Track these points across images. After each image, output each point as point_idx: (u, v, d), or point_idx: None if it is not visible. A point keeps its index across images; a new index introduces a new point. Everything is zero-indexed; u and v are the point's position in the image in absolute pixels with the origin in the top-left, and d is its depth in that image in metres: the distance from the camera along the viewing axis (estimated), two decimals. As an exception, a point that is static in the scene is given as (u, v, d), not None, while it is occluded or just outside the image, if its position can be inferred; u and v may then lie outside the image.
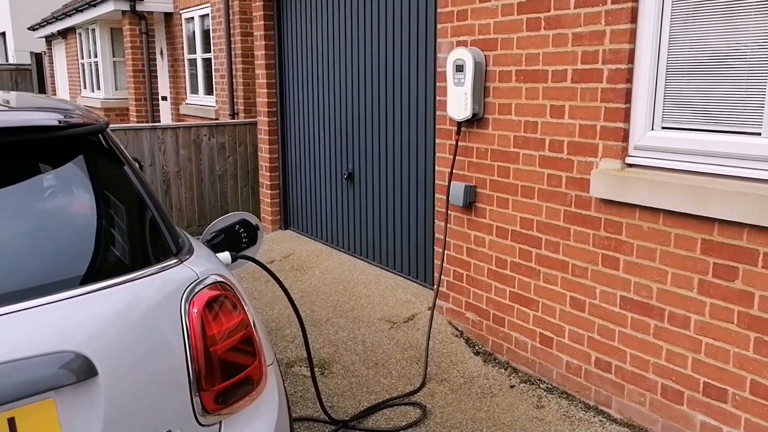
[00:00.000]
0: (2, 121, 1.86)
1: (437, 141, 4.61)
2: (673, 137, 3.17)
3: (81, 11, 12.81)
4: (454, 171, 4.41)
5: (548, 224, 3.80)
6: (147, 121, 11.72)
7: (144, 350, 1.77)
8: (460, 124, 4.29)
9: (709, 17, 2.99)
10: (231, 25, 8.67)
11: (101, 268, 1.86)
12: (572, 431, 3.46)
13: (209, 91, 9.93)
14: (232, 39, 8.71)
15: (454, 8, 4.28)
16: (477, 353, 4.32)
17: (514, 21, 3.86)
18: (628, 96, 3.31)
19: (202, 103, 10.14)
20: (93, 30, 13.40)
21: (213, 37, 9.33)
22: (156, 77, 11.88)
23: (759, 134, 2.87)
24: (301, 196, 7.00)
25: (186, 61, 10.63)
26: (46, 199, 1.93)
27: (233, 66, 8.79)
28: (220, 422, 1.91)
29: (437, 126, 4.60)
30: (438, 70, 4.51)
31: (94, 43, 13.51)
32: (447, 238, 4.58)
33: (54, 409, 1.62)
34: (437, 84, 4.55)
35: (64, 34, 16.05)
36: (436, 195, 4.69)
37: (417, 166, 5.17)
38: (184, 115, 10.79)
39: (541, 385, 3.91)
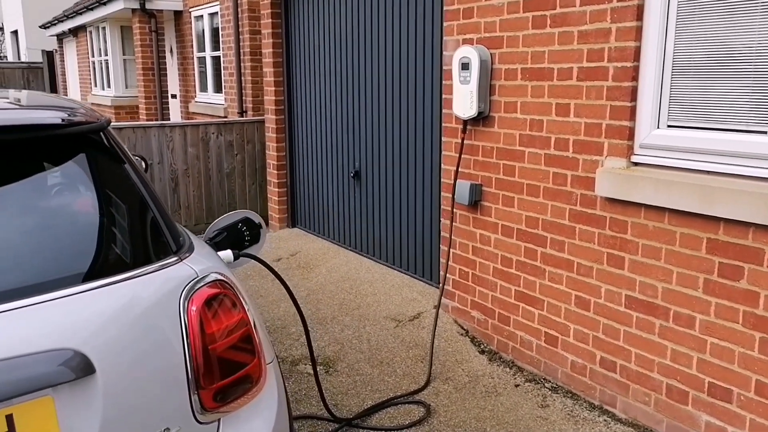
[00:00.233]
0: (5, 119, 1.88)
1: (443, 139, 4.60)
2: (679, 135, 3.15)
3: (92, 9, 12.88)
4: (459, 169, 4.40)
5: (553, 223, 3.78)
6: (157, 119, 11.77)
7: (143, 348, 1.77)
8: (465, 123, 4.28)
9: (715, 15, 2.97)
10: (240, 23, 8.69)
11: (102, 265, 1.87)
12: (577, 431, 3.44)
13: (218, 89, 9.96)
14: (240, 37, 8.73)
15: (460, 6, 4.27)
16: (482, 352, 4.32)
17: (520, 19, 3.84)
18: (633, 94, 3.29)
19: (212, 101, 10.17)
20: (103, 28, 13.47)
21: (222, 35, 9.35)
22: (165, 75, 11.93)
23: (765, 133, 2.84)
24: (308, 194, 7.01)
25: (195, 59, 10.66)
26: (47, 197, 1.94)
27: (242, 64, 8.81)
28: (219, 420, 1.92)
29: (443, 124, 4.59)
30: (444, 68, 4.50)
31: (105, 42, 13.57)
32: (453, 237, 4.57)
33: (52, 407, 1.62)
34: (443, 82, 4.54)
35: (75, 32, 16.13)
36: (442, 193, 4.68)
37: (423, 164, 5.17)
38: (194, 113, 10.82)
39: (546, 385, 3.90)
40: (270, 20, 6.96)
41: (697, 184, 2.97)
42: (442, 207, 4.73)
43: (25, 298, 1.67)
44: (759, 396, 2.89)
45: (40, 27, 18.63)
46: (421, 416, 3.61)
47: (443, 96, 4.56)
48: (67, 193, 1.98)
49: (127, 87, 13.43)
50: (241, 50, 8.76)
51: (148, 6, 11.09)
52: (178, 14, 11.07)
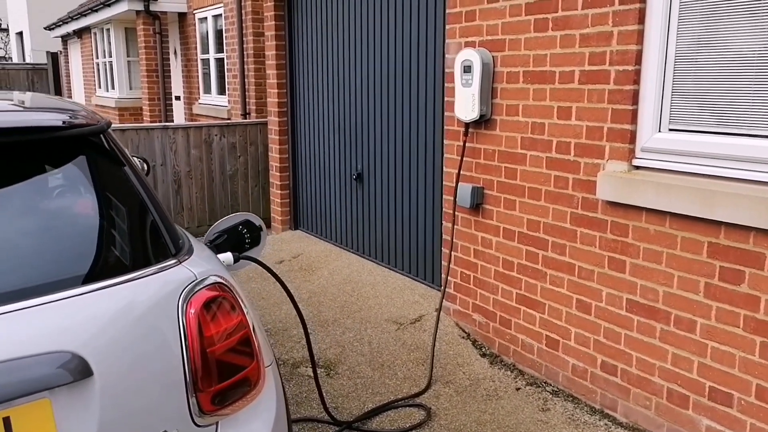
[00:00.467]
0: (5, 121, 1.88)
1: (445, 142, 4.60)
2: (680, 139, 3.15)
3: (96, 11, 12.92)
4: (461, 172, 4.40)
5: (555, 226, 3.78)
6: (160, 121, 11.79)
7: (141, 351, 1.77)
8: (467, 125, 4.28)
9: (717, 19, 2.96)
10: (243, 25, 8.70)
11: (101, 268, 1.87)
12: (577, 435, 3.44)
13: (222, 90, 9.98)
14: (244, 39, 8.74)
15: (463, 9, 4.27)
16: (483, 355, 4.31)
17: (522, 22, 3.84)
18: (635, 97, 3.29)
19: (215, 103, 10.19)
20: (108, 30, 13.51)
21: (226, 37, 9.36)
22: (169, 77, 11.95)
23: (767, 137, 2.84)
24: (310, 196, 7.01)
25: (199, 60, 10.68)
26: (47, 199, 1.95)
27: (245, 66, 8.82)
28: (217, 423, 1.92)
29: (445, 127, 4.59)
30: (446, 70, 4.50)
31: (109, 43, 13.61)
32: (454, 240, 4.57)
33: (49, 409, 1.63)
34: (445, 85, 4.54)
35: (79, 33, 16.19)
36: (444, 196, 4.68)
37: (425, 167, 5.17)
38: (197, 114, 10.84)
39: (547, 388, 3.89)
40: (273, 22, 6.97)
41: (698, 188, 2.97)
42: (443, 210, 4.72)
43: (23, 300, 1.67)
44: (759, 400, 2.88)
45: (44, 28, 18.70)
46: (422, 419, 3.61)
47: (445, 99, 4.56)
48: (67, 196, 1.98)
49: (131, 88, 13.47)
50: (245, 52, 8.77)
51: (152, 8, 11.12)
52: (182, 16, 11.10)
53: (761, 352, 2.85)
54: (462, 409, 3.71)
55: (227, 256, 2.56)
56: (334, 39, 6.21)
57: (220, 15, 9.61)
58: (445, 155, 4.61)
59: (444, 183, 4.66)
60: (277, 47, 7.02)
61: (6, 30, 31.40)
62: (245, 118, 8.82)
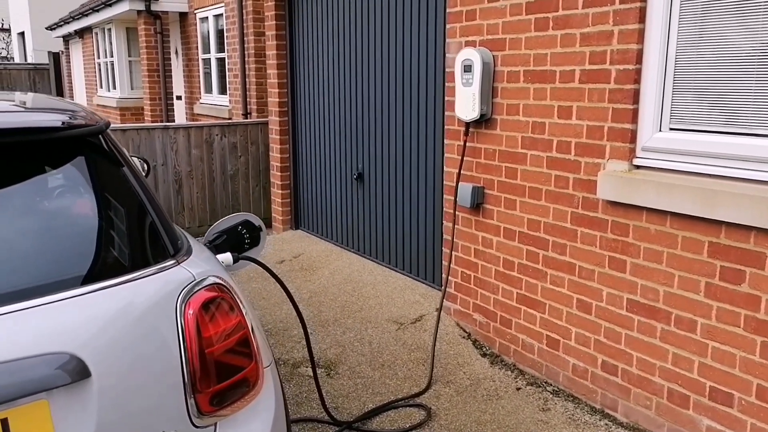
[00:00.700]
0: (4, 122, 1.88)
1: (445, 141, 4.59)
2: (681, 138, 3.14)
3: (97, 11, 12.92)
4: (462, 172, 4.39)
5: (555, 226, 3.77)
6: (161, 121, 11.79)
7: (139, 352, 1.77)
8: (468, 125, 4.27)
9: (718, 17, 2.96)
10: (244, 24, 8.70)
11: (100, 268, 1.87)
12: (578, 435, 3.43)
13: (223, 90, 9.98)
14: (245, 39, 8.74)
15: (463, 8, 4.26)
16: (484, 355, 4.31)
17: (522, 21, 3.84)
18: (635, 97, 3.28)
19: (216, 103, 10.19)
20: (109, 30, 13.51)
21: (227, 36, 9.36)
22: (171, 77, 11.95)
23: (767, 136, 2.83)
24: (311, 196, 7.01)
25: (200, 60, 10.68)
26: (46, 200, 1.95)
27: (246, 66, 8.82)
28: (215, 424, 1.91)
29: (446, 126, 4.58)
30: (447, 70, 4.49)
31: (110, 43, 13.62)
32: (455, 239, 4.57)
33: (47, 410, 1.62)
34: (446, 84, 4.53)
35: (80, 33, 16.19)
36: (444, 196, 4.68)
37: (426, 166, 5.16)
38: (199, 114, 10.85)
39: (547, 388, 3.89)
40: (274, 22, 6.96)
41: (699, 188, 2.96)
42: (444, 209, 4.72)
43: (22, 301, 1.67)
44: (760, 400, 2.87)
45: (46, 28, 18.72)
46: (422, 419, 3.61)
47: (445, 98, 4.55)
48: (66, 196, 1.98)
49: (132, 88, 13.47)
50: (246, 52, 8.77)
51: (153, 8, 11.12)
52: (183, 16, 11.10)
53: (762, 352, 2.85)
54: (462, 409, 3.71)
55: (227, 257, 2.56)
56: (334, 38, 6.20)
57: (221, 15, 9.60)
58: (445, 155, 4.61)
59: (444, 182, 4.66)
60: (277, 47, 7.02)
61: (8, 30, 31.45)
62: (246, 118, 8.81)
